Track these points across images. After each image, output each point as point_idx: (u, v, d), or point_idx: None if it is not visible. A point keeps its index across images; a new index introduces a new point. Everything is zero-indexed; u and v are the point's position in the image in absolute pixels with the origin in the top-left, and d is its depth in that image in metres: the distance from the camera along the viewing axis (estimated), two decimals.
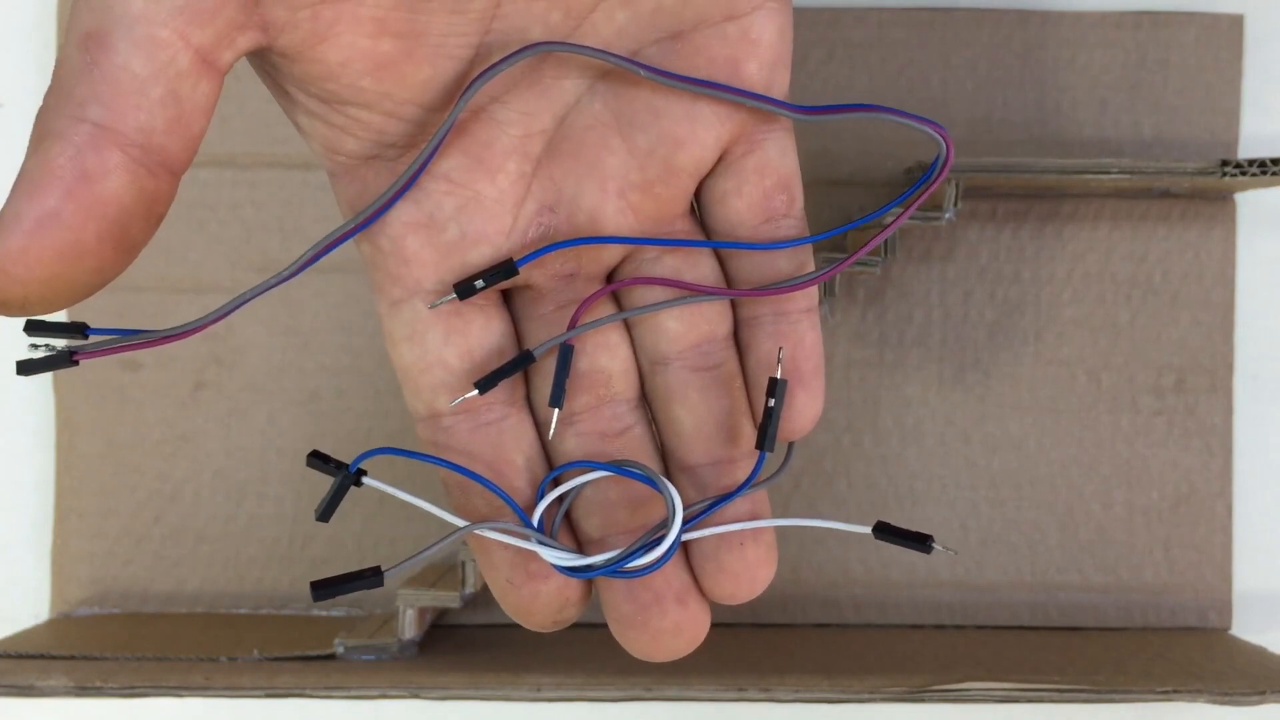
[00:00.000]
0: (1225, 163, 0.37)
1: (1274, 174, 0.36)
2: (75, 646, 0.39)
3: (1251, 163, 0.37)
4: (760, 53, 0.24)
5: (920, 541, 0.25)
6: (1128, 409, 0.43)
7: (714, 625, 0.32)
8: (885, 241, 0.37)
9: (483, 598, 0.43)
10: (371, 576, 0.25)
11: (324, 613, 0.43)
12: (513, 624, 0.43)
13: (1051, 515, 0.43)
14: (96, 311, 0.43)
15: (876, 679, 0.36)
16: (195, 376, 0.43)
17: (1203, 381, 0.43)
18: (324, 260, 0.44)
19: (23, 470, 0.44)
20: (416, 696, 0.37)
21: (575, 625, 0.42)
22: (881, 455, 0.43)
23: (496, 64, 0.23)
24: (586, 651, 0.39)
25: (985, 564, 0.43)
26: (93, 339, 0.23)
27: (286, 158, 0.43)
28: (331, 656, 0.38)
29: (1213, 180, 0.37)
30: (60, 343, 0.23)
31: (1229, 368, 0.43)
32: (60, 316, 0.43)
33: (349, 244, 0.25)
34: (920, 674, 0.36)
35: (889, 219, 0.26)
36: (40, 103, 0.21)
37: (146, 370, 0.43)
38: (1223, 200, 0.43)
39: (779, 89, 0.25)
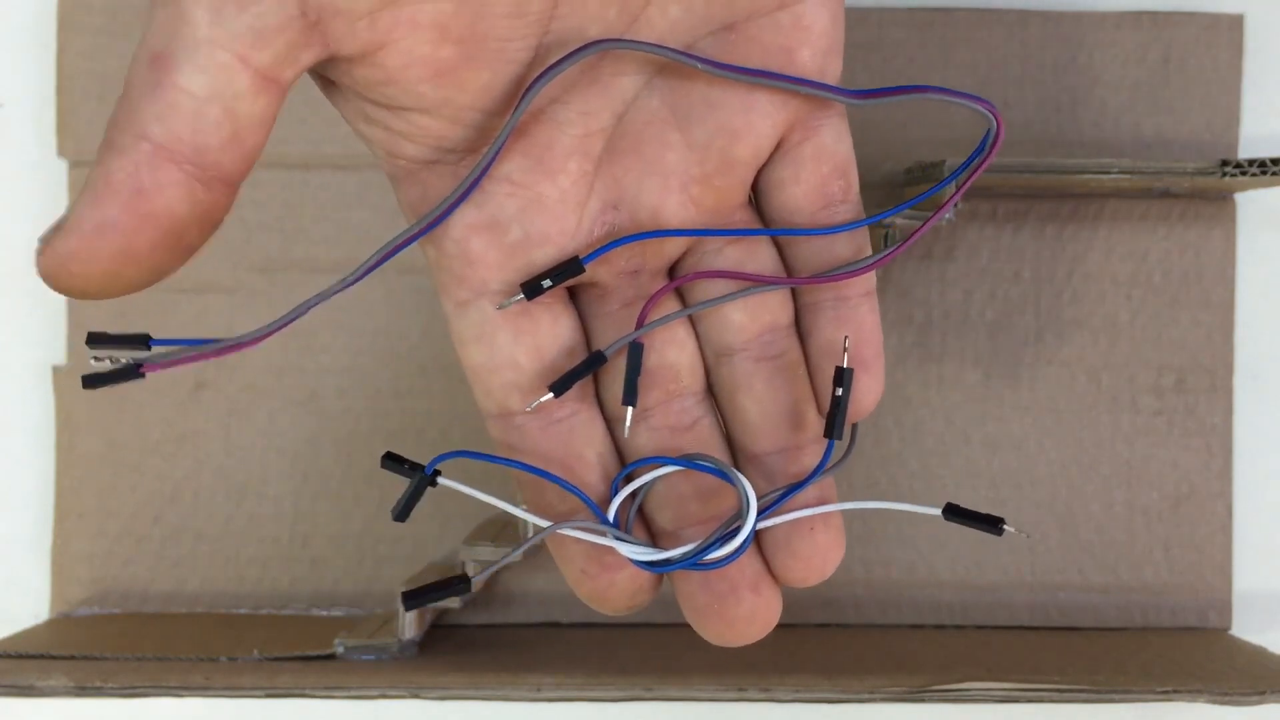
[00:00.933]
0: (1225, 163, 0.37)
1: (1274, 174, 0.36)
2: (75, 646, 0.39)
3: (1251, 163, 0.37)
4: (813, 40, 0.25)
5: (991, 524, 0.25)
6: (1128, 409, 0.43)
7: None
8: (885, 241, 0.37)
9: (483, 598, 0.43)
10: (460, 584, 0.25)
11: (323, 613, 0.43)
12: (512, 624, 0.43)
13: (1051, 515, 0.43)
14: (96, 312, 0.43)
15: (876, 679, 0.36)
16: (195, 376, 0.43)
17: (1203, 381, 0.43)
18: (324, 261, 0.44)
19: (23, 470, 0.44)
20: (416, 696, 0.37)
21: (574, 626, 0.42)
22: (881, 455, 0.43)
23: (556, 64, 0.23)
24: (586, 651, 0.39)
25: (985, 564, 0.43)
26: (156, 350, 0.24)
27: (286, 158, 0.43)
28: (331, 656, 0.38)
29: (1213, 180, 0.37)
30: (125, 355, 0.23)
31: (1229, 368, 0.43)
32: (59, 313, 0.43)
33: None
34: (920, 674, 0.36)
35: (944, 196, 0.26)
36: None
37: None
38: (1223, 200, 0.43)
39: (832, 75, 0.25)
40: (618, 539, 0.25)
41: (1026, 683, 0.36)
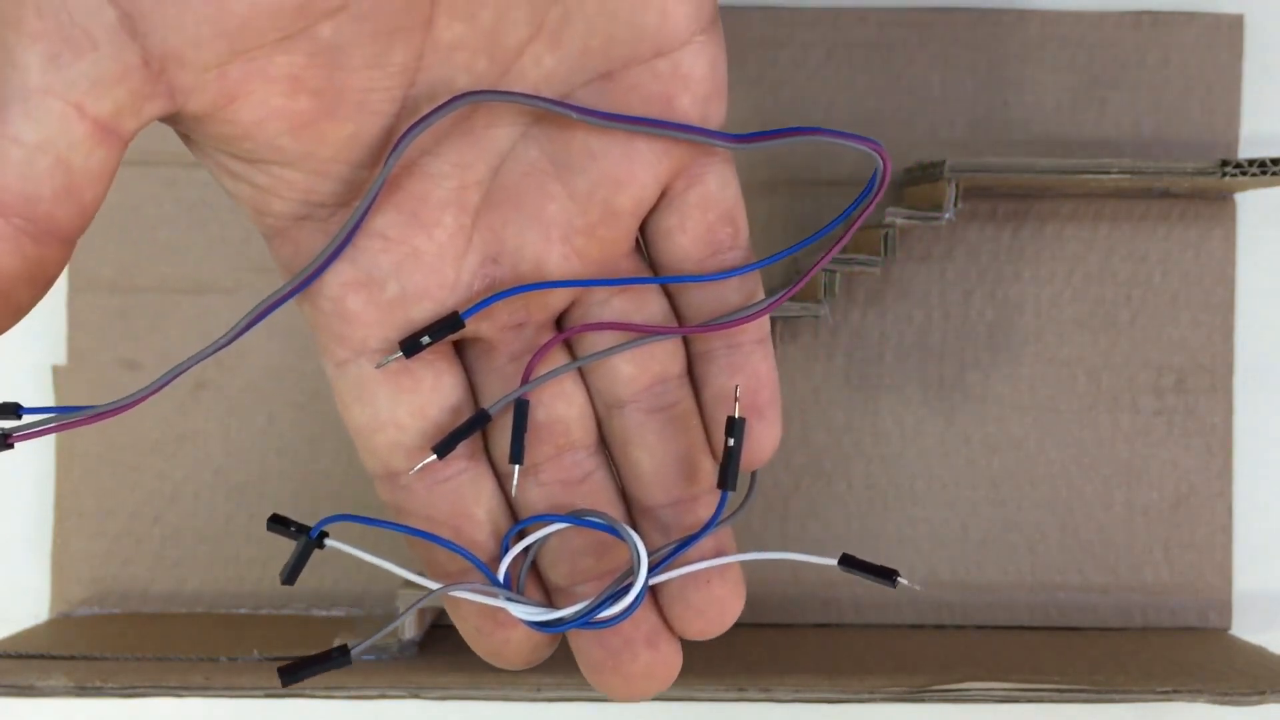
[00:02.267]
0: (1225, 163, 0.37)
1: (1274, 174, 0.36)
2: (75, 646, 0.39)
3: (1251, 163, 0.37)
4: (693, 86, 0.24)
5: (885, 576, 0.25)
6: (1128, 409, 0.43)
7: None
8: (885, 241, 0.37)
9: None
10: (339, 657, 0.25)
11: (323, 612, 0.43)
12: None
13: (1051, 515, 0.43)
14: (96, 313, 0.43)
15: (876, 679, 0.36)
16: (195, 376, 0.43)
17: (1203, 381, 0.43)
18: None
19: (23, 470, 0.44)
20: (416, 696, 0.37)
21: None
22: (881, 455, 0.43)
23: (425, 117, 0.23)
24: None
25: (985, 564, 0.43)
26: (27, 419, 0.23)
27: None
28: None
29: (1213, 180, 0.37)
30: None
31: (1229, 368, 0.43)
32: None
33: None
34: (920, 674, 0.36)
35: (837, 234, 0.26)
36: None
37: (146, 370, 0.43)
38: (1223, 200, 0.43)
39: (715, 121, 0.25)
40: (509, 600, 0.25)
41: (1026, 683, 0.36)
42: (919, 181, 0.39)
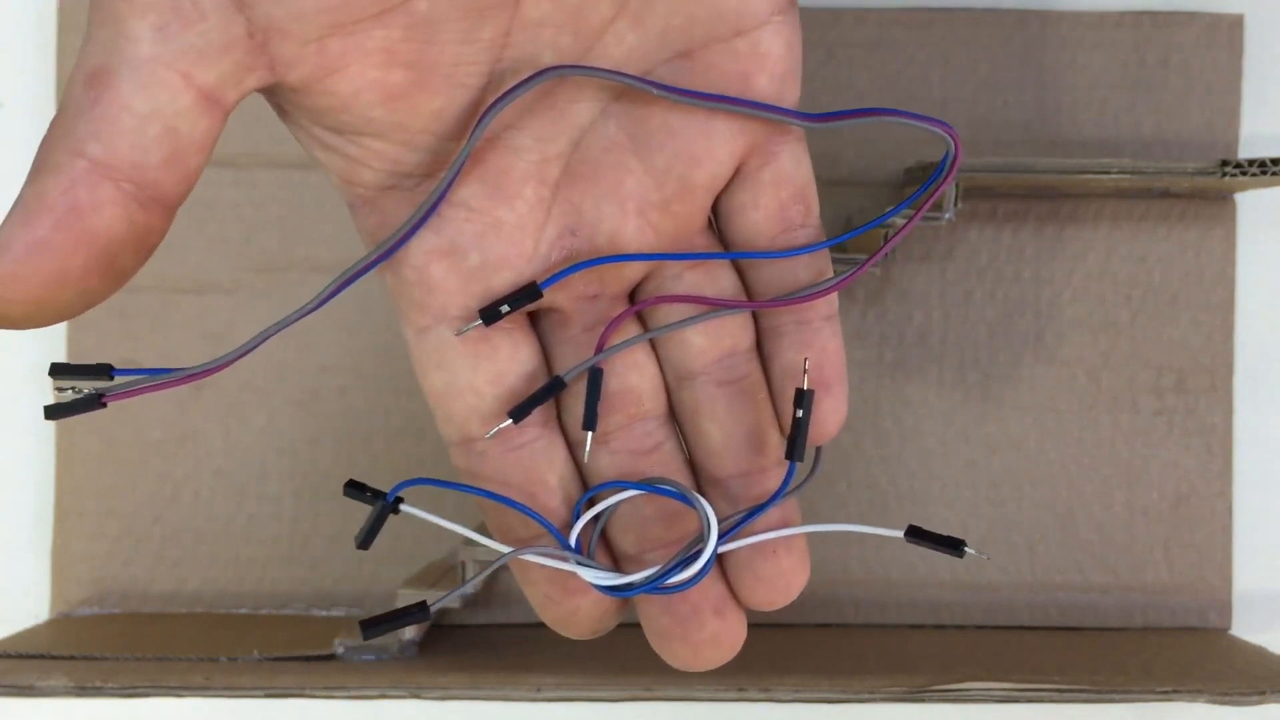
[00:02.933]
0: (1225, 163, 0.37)
1: (1274, 174, 0.36)
2: (75, 646, 0.39)
3: (1251, 163, 0.37)
4: (770, 66, 0.25)
5: (953, 546, 0.25)
6: (1128, 409, 0.43)
7: None
8: (885, 242, 0.37)
9: (483, 598, 0.43)
10: (418, 612, 0.25)
11: (323, 612, 0.43)
12: (512, 624, 0.43)
13: (1051, 515, 0.43)
14: (96, 312, 0.42)
15: (876, 679, 0.36)
16: None
17: (1203, 381, 0.43)
18: (324, 260, 0.44)
19: (23, 470, 0.44)
20: (416, 696, 0.37)
21: None
22: (881, 455, 0.43)
23: (510, 91, 0.23)
24: (586, 651, 0.39)
25: (985, 564, 0.43)
26: (119, 380, 0.23)
27: (286, 158, 0.43)
28: (331, 656, 0.38)
29: (1213, 180, 0.37)
30: (87, 385, 0.23)
31: (1229, 368, 0.43)
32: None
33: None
34: (920, 674, 0.36)
35: (900, 220, 0.26)
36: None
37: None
38: (1223, 200, 0.43)
39: (790, 100, 0.25)
40: (579, 564, 0.25)
41: (1026, 683, 0.36)
42: (919, 181, 0.39)
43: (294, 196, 0.43)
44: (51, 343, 0.43)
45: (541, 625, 0.42)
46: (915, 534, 0.26)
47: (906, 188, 0.41)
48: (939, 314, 0.43)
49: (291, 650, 0.38)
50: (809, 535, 0.27)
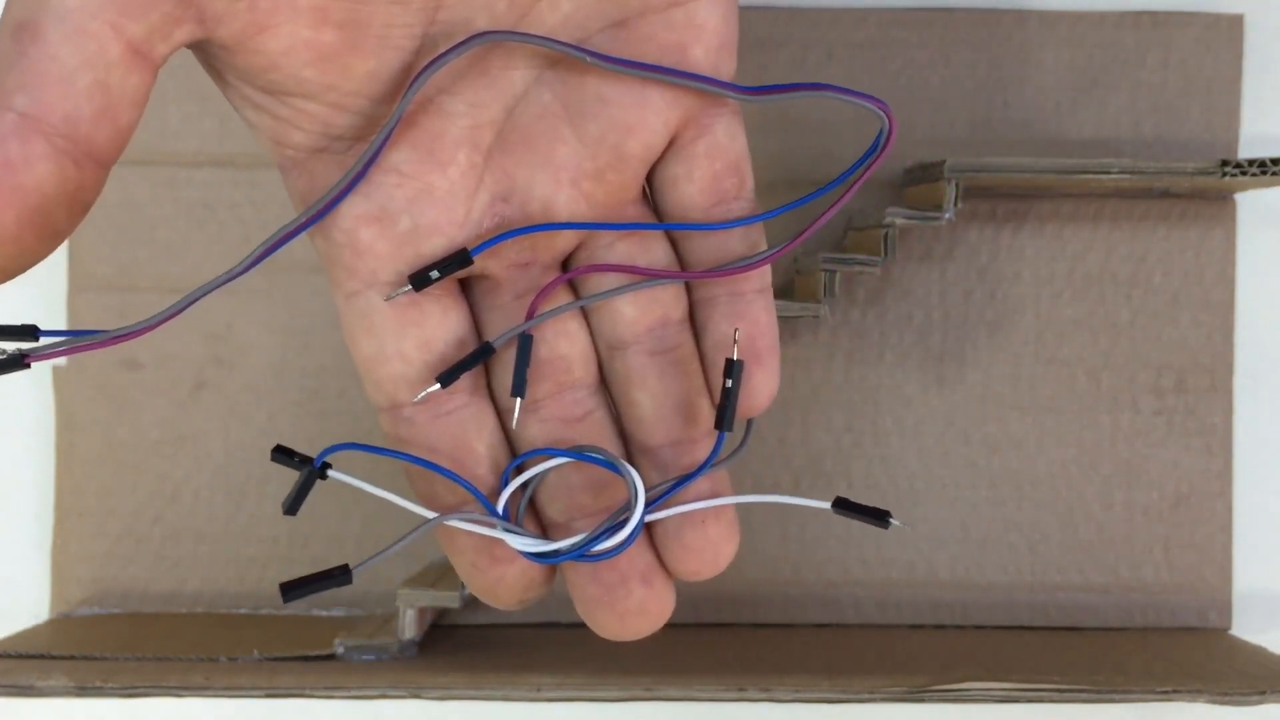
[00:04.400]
0: (1225, 163, 0.37)
1: (1274, 174, 0.36)
2: (75, 646, 0.39)
3: (1251, 163, 0.37)
4: (705, 37, 0.25)
5: (877, 517, 0.26)
6: (1128, 409, 0.43)
7: (713, 625, 0.32)
8: (885, 241, 0.37)
9: None
10: (340, 575, 0.25)
11: (323, 612, 0.43)
12: (512, 624, 0.43)
13: (1051, 515, 0.43)
14: (96, 311, 0.43)
15: (876, 679, 0.36)
16: (195, 376, 0.43)
17: (1203, 381, 0.43)
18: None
19: (23, 470, 0.44)
20: (416, 696, 0.37)
21: (574, 626, 0.42)
22: (881, 455, 0.43)
23: (443, 54, 0.23)
24: (586, 651, 0.39)
25: (985, 564, 0.43)
26: (44, 341, 0.23)
27: None
28: (331, 656, 0.38)
29: (1213, 180, 0.37)
30: (10, 346, 0.23)
31: (1229, 368, 0.43)
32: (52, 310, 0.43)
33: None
34: (920, 674, 0.36)
35: (840, 194, 0.26)
36: None
37: (146, 370, 0.43)
38: (1223, 200, 0.43)
39: (725, 73, 0.25)
40: (507, 530, 0.25)
41: (1026, 683, 0.36)
42: (919, 181, 0.39)
43: None
44: None
45: (542, 625, 0.42)
46: (841, 505, 0.26)
47: (906, 188, 0.41)
48: (939, 314, 0.43)
49: (291, 650, 0.38)
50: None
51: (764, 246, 0.26)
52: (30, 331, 0.23)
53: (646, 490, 0.25)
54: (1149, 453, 0.43)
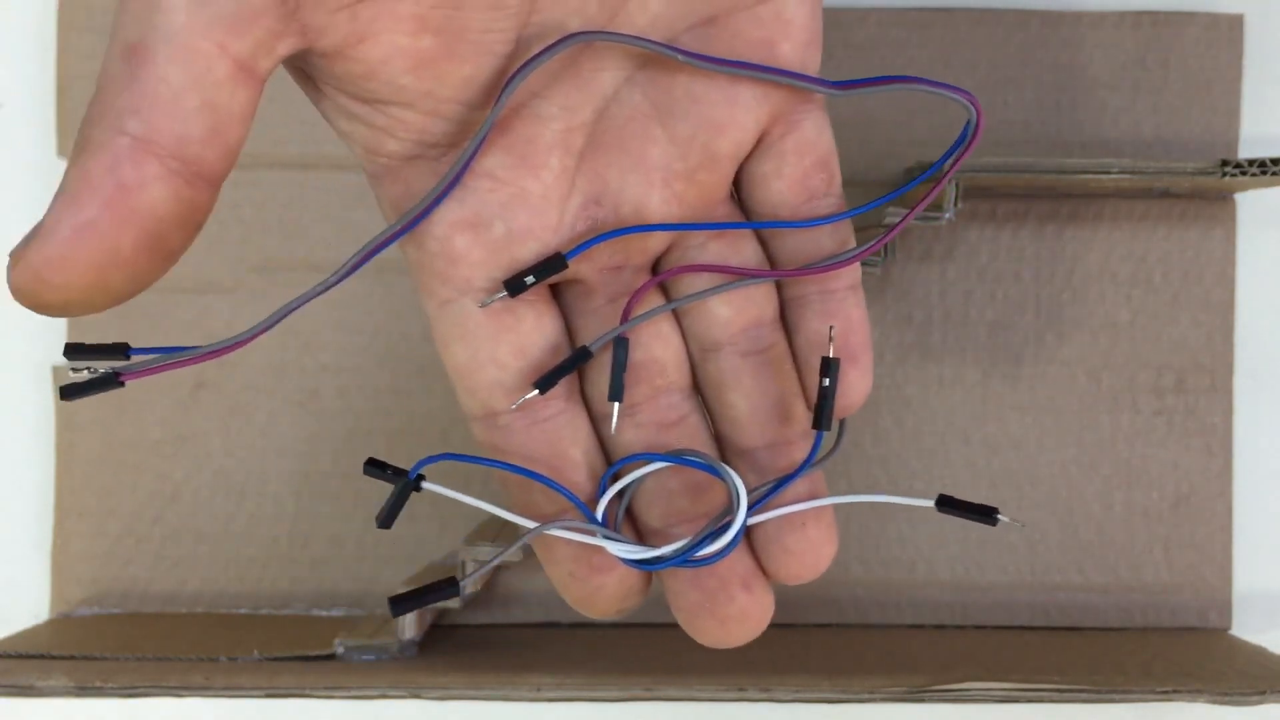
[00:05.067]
0: (1225, 163, 0.37)
1: (1274, 174, 0.36)
2: (75, 646, 0.39)
3: (1251, 163, 0.37)
4: (794, 33, 0.25)
5: (985, 514, 0.25)
6: (1128, 409, 0.43)
7: None
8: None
9: (483, 597, 0.43)
10: (449, 588, 0.25)
11: (323, 612, 0.43)
12: (512, 624, 0.43)
13: (1051, 515, 0.43)
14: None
15: (876, 679, 0.36)
16: (195, 376, 0.43)
17: (1203, 381, 0.43)
18: (324, 260, 0.44)
19: (23, 470, 0.44)
20: (416, 696, 0.37)
21: (574, 626, 0.42)
22: (881, 455, 0.43)
23: (537, 56, 0.23)
24: (586, 651, 0.39)
25: (985, 564, 0.43)
26: (135, 359, 0.23)
27: (286, 158, 0.43)
28: (331, 656, 0.38)
29: (1213, 180, 0.37)
30: (103, 365, 0.23)
31: (1229, 368, 0.43)
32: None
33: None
34: (920, 674, 0.36)
35: (924, 189, 0.26)
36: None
37: None
38: (1223, 200, 0.43)
39: (812, 68, 0.25)
40: (607, 538, 0.25)
41: (1026, 683, 0.36)
42: (918, 182, 0.39)
43: (294, 196, 0.43)
44: (51, 343, 0.43)
45: (542, 625, 0.42)
46: (947, 503, 0.26)
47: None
48: (939, 314, 0.43)
49: (291, 650, 0.38)
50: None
51: (853, 243, 0.26)
52: (121, 349, 0.23)
53: (747, 493, 0.25)
54: (1149, 453, 0.43)
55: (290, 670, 0.37)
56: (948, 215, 0.37)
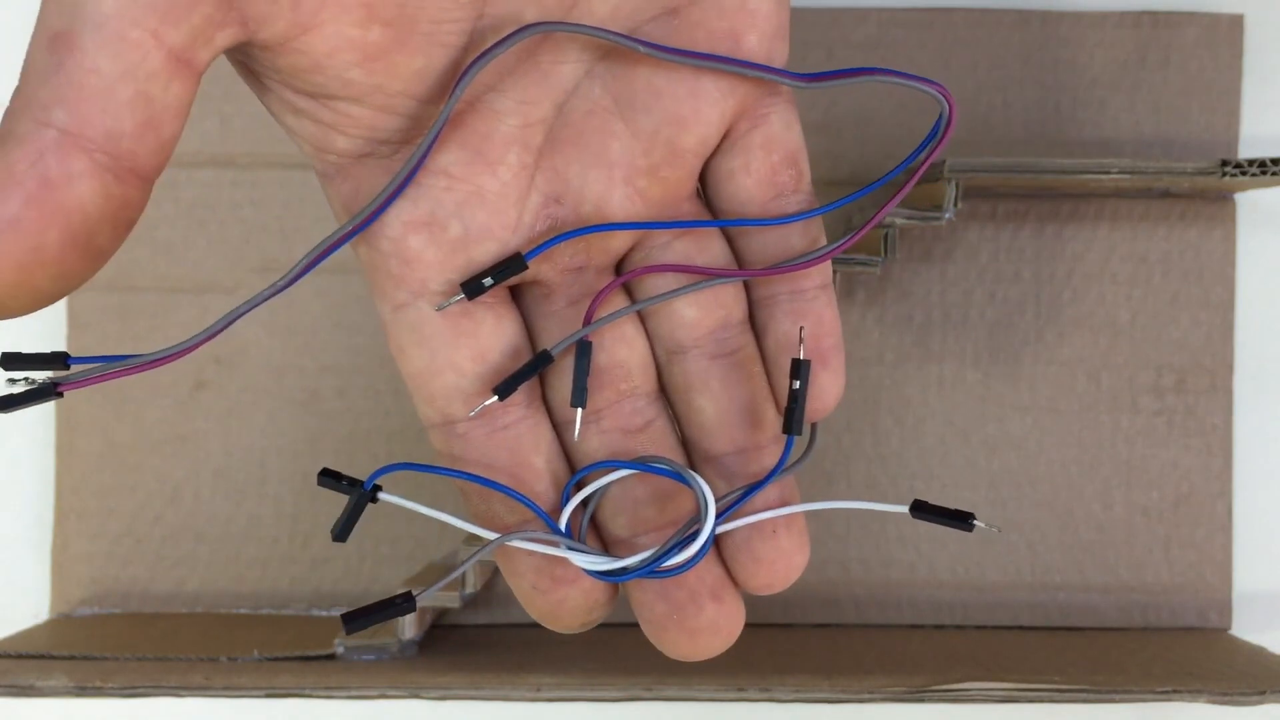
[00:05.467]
0: (1225, 163, 0.37)
1: (1274, 174, 0.36)
2: (75, 646, 0.39)
3: (1251, 163, 0.37)
4: (759, 23, 0.24)
5: (960, 519, 0.24)
6: (1128, 409, 0.43)
7: None
8: (885, 241, 0.37)
9: (483, 597, 0.43)
10: (404, 603, 0.24)
11: (323, 612, 0.43)
12: (512, 624, 0.43)
13: (1051, 515, 0.43)
14: (96, 311, 0.43)
15: (876, 679, 0.36)
16: (195, 376, 0.43)
17: (1203, 381, 0.43)
18: (325, 263, 0.44)
19: (23, 470, 0.44)
20: (416, 696, 0.37)
21: None
22: (881, 455, 0.43)
23: (492, 47, 0.22)
24: (586, 651, 0.39)
25: (985, 564, 0.43)
26: (76, 369, 0.22)
27: (286, 158, 0.43)
28: (331, 656, 0.38)
29: (1213, 180, 0.37)
30: (41, 375, 0.22)
31: (1229, 368, 0.43)
32: (60, 322, 0.43)
33: (347, 246, 0.24)
34: (920, 674, 0.36)
35: (900, 181, 0.25)
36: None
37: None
38: (1223, 200, 0.43)
39: (779, 60, 0.24)
40: (570, 549, 0.24)
41: (1026, 683, 0.36)
42: (919, 181, 0.39)
43: (294, 196, 0.43)
44: (51, 343, 0.43)
45: (541, 625, 0.42)
46: (921, 509, 0.25)
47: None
48: (939, 314, 0.43)
49: (291, 650, 0.38)
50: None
51: (824, 241, 0.25)
52: (60, 359, 0.22)
53: (716, 500, 0.24)
54: (1149, 453, 0.43)
55: (290, 670, 0.37)
56: (948, 215, 0.37)
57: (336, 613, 0.43)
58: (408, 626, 0.38)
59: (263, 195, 0.43)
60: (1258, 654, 0.40)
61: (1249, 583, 0.43)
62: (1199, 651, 0.40)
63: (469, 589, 0.38)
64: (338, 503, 0.43)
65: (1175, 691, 0.36)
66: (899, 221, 0.37)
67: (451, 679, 0.36)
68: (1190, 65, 0.43)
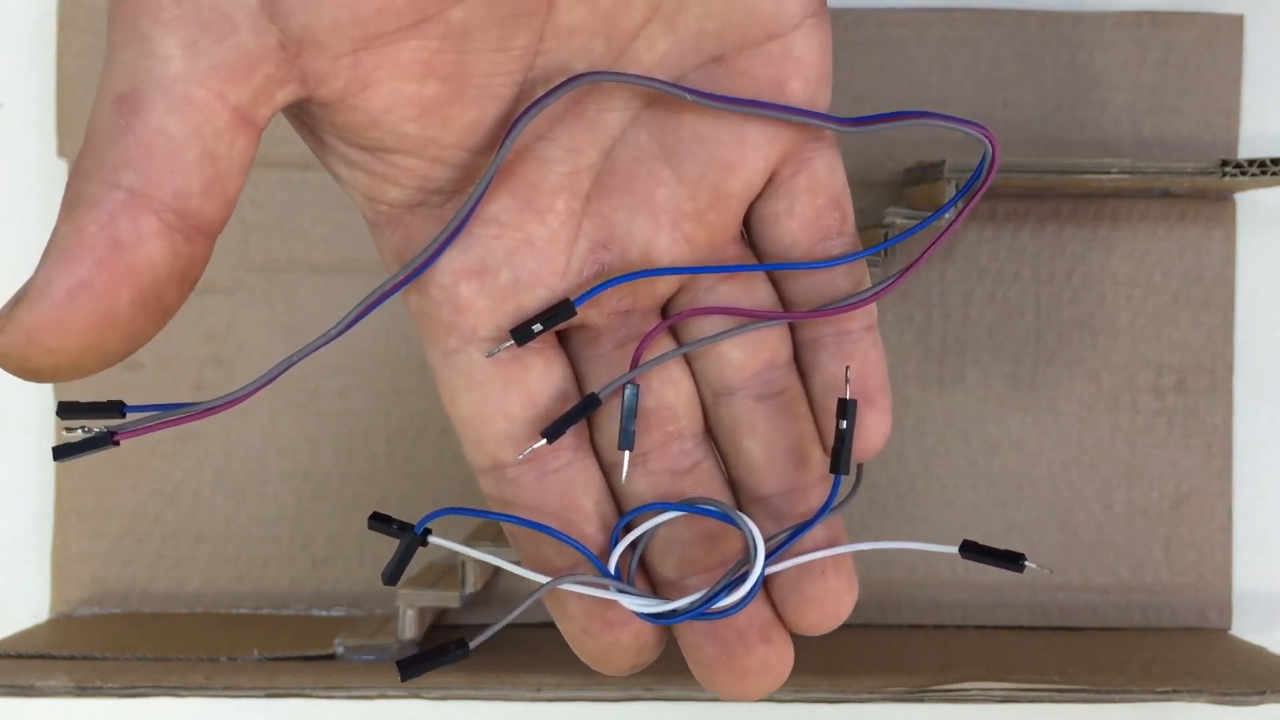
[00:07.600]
0: (1225, 163, 0.37)
1: (1274, 174, 0.36)
2: (75, 646, 0.39)
3: (1251, 163, 0.37)
4: (804, 70, 0.24)
5: (1012, 561, 0.24)
6: (1128, 409, 0.43)
7: None
8: (884, 239, 0.37)
9: (483, 597, 0.43)
10: (458, 650, 0.24)
11: (323, 612, 0.43)
12: (513, 624, 0.43)
13: (1051, 515, 0.43)
14: None
15: (876, 679, 0.36)
16: (195, 376, 0.43)
17: (1203, 381, 0.43)
18: (324, 261, 0.44)
19: (23, 470, 0.44)
20: (416, 696, 0.37)
21: None
22: (881, 455, 0.42)
23: (542, 98, 0.23)
24: None
25: (985, 564, 0.42)
26: (131, 417, 0.22)
27: (286, 158, 0.43)
28: (331, 656, 0.38)
29: (1213, 180, 0.37)
30: (98, 424, 0.22)
31: (1229, 368, 0.43)
32: None
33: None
34: (920, 674, 0.36)
35: (942, 224, 0.25)
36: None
37: (146, 370, 0.43)
38: (1223, 200, 0.43)
39: (822, 105, 0.25)
40: (620, 591, 0.24)
41: (1026, 683, 0.36)
42: (919, 181, 0.39)
43: (294, 196, 0.43)
44: None
45: (542, 625, 0.42)
46: (971, 549, 0.25)
47: (906, 188, 0.41)
48: (939, 314, 0.43)
49: (291, 650, 0.38)
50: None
51: (868, 282, 0.25)
52: (116, 408, 0.22)
53: (765, 541, 0.24)
54: (1149, 453, 0.43)
55: (290, 670, 0.37)
56: (948, 215, 0.37)
57: (337, 613, 0.43)
58: (408, 626, 0.38)
59: (263, 195, 0.43)
60: (1258, 654, 0.40)
61: (1249, 583, 0.43)
62: (1199, 651, 0.40)
63: (469, 589, 0.38)
64: (338, 503, 0.44)
65: (1175, 691, 0.36)
66: (899, 221, 0.37)
67: (451, 679, 0.36)
68: (1190, 65, 0.43)
